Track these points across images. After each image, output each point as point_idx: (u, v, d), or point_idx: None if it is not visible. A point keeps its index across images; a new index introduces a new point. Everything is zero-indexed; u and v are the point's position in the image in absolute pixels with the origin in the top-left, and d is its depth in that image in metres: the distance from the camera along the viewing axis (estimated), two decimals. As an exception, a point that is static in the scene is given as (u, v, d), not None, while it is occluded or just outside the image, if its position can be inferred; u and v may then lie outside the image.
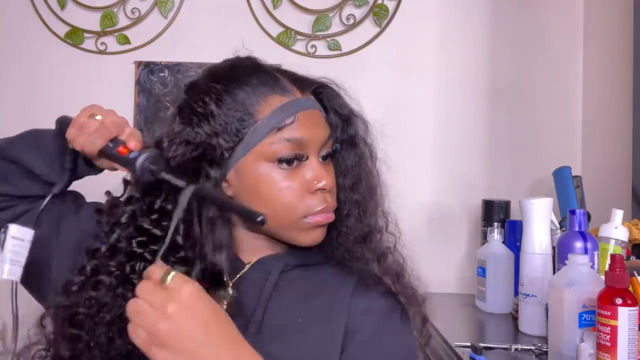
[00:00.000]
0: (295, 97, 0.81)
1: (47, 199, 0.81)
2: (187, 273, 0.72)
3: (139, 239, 0.76)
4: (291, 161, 0.79)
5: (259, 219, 0.67)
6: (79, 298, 0.75)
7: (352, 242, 0.85)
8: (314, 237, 0.82)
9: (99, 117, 0.78)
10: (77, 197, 0.88)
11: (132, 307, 0.63)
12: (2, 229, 0.75)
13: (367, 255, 0.85)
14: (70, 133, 0.79)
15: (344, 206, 0.85)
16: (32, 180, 0.82)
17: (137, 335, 0.62)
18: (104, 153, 0.78)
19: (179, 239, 0.75)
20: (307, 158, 0.80)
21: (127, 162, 0.76)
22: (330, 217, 0.82)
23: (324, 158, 0.83)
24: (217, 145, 0.78)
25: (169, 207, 0.76)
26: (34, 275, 0.81)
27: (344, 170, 0.87)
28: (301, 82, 0.84)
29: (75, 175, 0.85)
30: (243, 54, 0.88)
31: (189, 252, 0.75)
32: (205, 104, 0.80)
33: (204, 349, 0.61)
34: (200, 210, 0.76)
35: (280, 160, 0.78)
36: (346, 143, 0.87)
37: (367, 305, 0.83)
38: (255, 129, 0.78)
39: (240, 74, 0.82)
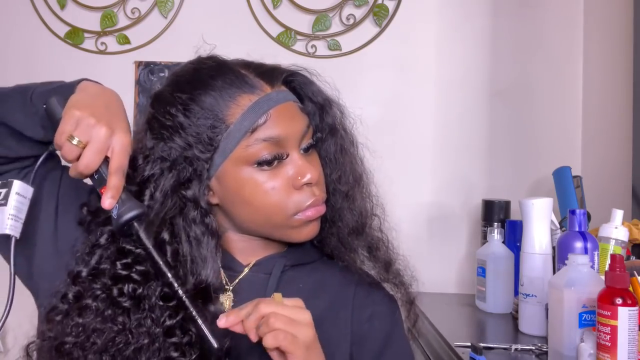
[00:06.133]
0: (265, 93, 0.77)
1: (44, 155, 0.76)
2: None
3: (124, 260, 0.73)
4: (271, 162, 0.76)
5: (216, 347, 0.67)
6: (65, 326, 0.72)
7: (346, 234, 0.84)
8: (307, 232, 0.80)
9: (75, 142, 0.69)
10: None
11: (276, 318, 0.66)
12: (5, 184, 0.72)
13: (359, 245, 0.84)
14: (56, 147, 0.72)
15: (333, 197, 0.83)
16: (22, 142, 0.77)
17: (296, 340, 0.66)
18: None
19: (169, 261, 0.73)
20: (288, 156, 0.77)
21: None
22: (321, 209, 0.80)
23: (306, 150, 0.80)
24: (193, 158, 0.75)
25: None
26: (28, 240, 0.78)
27: (328, 161, 0.84)
28: (270, 75, 0.79)
29: None
30: (206, 51, 0.83)
31: (179, 270, 0.73)
32: (173, 116, 0.76)
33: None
34: (187, 229, 0.75)
35: (260, 163, 0.75)
36: (325, 132, 0.84)
37: (371, 312, 0.84)
38: (228, 134, 0.75)
39: (204, 78, 0.78)
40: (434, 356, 1.32)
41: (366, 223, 0.85)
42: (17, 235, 0.71)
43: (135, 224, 0.70)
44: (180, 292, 0.70)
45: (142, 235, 0.71)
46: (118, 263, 0.73)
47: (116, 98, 0.77)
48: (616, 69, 1.74)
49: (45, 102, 0.74)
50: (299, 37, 1.90)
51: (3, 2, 1.95)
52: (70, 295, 0.73)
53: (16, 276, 0.73)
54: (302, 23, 1.91)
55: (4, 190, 0.72)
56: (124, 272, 0.73)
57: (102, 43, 1.93)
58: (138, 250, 0.73)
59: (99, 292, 0.73)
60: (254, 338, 0.66)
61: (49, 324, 0.73)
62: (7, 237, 0.71)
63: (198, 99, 0.76)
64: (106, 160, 0.71)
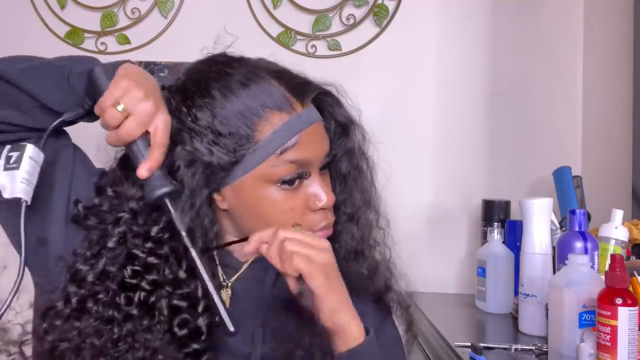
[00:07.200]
0: (297, 113, 0.76)
1: (57, 122, 0.73)
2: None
3: (133, 268, 0.72)
4: (293, 181, 0.76)
5: (232, 330, 0.68)
6: (62, 329, 0.71)
7: (343, 255, 0.84)
8: None
9: (120, 109, 0.68)
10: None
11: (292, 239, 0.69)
12: (18, 147, 0.69)
13: (356, 268, 0.84)
14: (97, 111, 0.70)
15: (337, 218, 0.83)
16: (52, 116, 0.73)
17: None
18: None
19: (182, 274, 0.73)
20: (309, 175, 0.77)
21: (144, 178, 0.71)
22: (329, 232, 0.81)
23: (322, 168, 0.80)
24: (211, 163, 0.73)
25: (166, 236, 0.73)
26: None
27: (338, 181, 0.84)
28: (301, 91, 0.78)
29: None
30: (224, 41, 0.83)
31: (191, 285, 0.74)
32: (197, 120, 0.73)
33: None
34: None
35: (283, 182, 0.75)
36: (343, 153, 0.84)
37: (362, 309, 0.83)
38: (255, 150, 0.74)
39: (234, 85, 0.75)
40: (434, 356, 1.32)
41: (365, 249, 0.85)
42: (29, 200, 0.69)
43: (167, 200, 0.70)
44: (201, 269, 0.70)
45: (171, 210, 0.70)
46: (127, 269, 0.72)
47: (157, 84, 0.75)
48: (616, 69, 1.74)
49: (89, 72, 0.72)
50: (299, 37, 1.90)
51: (3, 2, 1.95)
52: (73, 300, 0.72)
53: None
54: (302, 23, 1.91)
55: (15, 154, 0.69)
56: (133, 281, 0.72)
57: (102, 43, 1.93)
58: (151, 259, 0.72)
59: (102, 296, 0.72)
60: (278, 266, 0.69)
61: (45, 322, 0.72)
62: (18, 202, 0.68)
63: (226, 107, 0.74)
64: (143, 136, 0.70)
